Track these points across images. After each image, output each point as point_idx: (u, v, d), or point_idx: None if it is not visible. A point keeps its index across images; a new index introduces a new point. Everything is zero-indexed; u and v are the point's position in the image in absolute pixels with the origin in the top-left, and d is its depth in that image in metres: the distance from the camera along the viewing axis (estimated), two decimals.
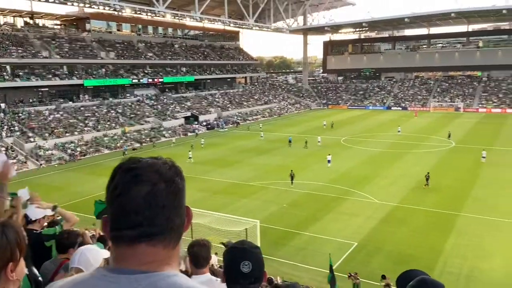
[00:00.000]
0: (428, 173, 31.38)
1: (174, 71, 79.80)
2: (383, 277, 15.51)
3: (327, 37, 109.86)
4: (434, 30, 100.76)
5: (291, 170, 32.71)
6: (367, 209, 26.56)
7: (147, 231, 1.20)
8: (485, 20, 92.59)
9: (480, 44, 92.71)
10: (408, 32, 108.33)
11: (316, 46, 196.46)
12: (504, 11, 72.83)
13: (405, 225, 23.91)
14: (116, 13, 69.22)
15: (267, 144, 50.92)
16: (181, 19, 79.47)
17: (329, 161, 38.32)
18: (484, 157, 38.32)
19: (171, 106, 70.56)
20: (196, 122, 67.83)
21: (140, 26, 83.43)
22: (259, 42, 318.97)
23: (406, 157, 41.25)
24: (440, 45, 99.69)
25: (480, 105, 79.98)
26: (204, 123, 68.14)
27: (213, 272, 5.07)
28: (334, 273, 15.74)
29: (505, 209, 25.80)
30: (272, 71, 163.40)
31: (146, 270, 1.18)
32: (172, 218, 1.24)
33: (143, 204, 1.19)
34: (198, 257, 3.28)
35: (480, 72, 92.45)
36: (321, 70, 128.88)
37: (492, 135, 51.96)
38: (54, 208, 4.60)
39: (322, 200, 28.72)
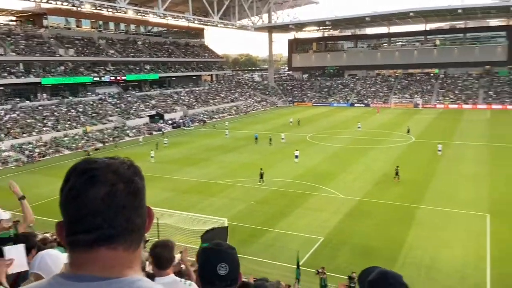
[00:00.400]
0: (397, 166, 32.57)
1: (138, 68, 78.11)
2: (350, 277, 15.91)
3: (291, 35, 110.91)
4: (394, 29, 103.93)
5: (261, 168, 32.67)
6: (332, 204, 27.10)
7: (106, 234, 1.14)
8: (441, 19, 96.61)
9: (437, 43, 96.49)
10: (370, 30, 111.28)
11: (281, 43, 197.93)
12: (459, 11, 76.17)
13: (369, 218, 24.58)
14: (75, 8, 66.84)
15: (233, 142, 50.88)
16: (144, 16, 77.89)
17: (296, 157, 38.97)
18: (440, 150, 40.10)
19: (135, 105, 69.06)
20: (161, 121, 66.77)
21: (100, 22, 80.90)
22: (224, 40, 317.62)
23: (369, 153, 42.38)
24: (400, 43, 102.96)
25: (438, 101, 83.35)
26: (170, 122, 67.19)
27: (180, 272, 5.01)
28: (300, 268, 16.00)
29: (461, 200, 27.06)
30: (238, 68, 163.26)
31: (108, 276, 1.11)
32: (132, 219, 1.18)
33: (102, 206, 1.14)
34: (160, 258, 3.20)
35: (437, 70, 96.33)
36: (287, 68, 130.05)
37: (449, 130, 54.26)
38: (22, 197, 4.48)
39: (289, 196, 29.05)
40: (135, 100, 71.08)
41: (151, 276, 3.02)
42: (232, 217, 24.43)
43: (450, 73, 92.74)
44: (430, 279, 17.81)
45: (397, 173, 31.63)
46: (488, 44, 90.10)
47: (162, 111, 70.07)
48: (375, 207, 26.38)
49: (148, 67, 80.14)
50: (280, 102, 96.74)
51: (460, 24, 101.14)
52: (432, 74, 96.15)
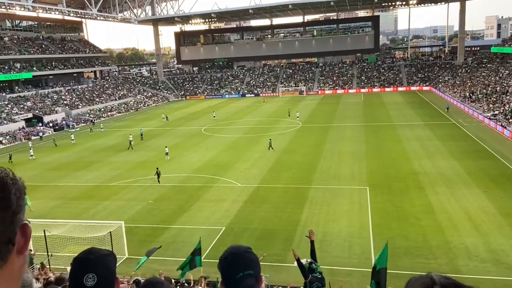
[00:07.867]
0: (270, 139, 39.37)
1: (6, 67, 69.56)
2: None
3: (178, 27, 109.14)
4: (276, 21, 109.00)
5: (157, 168, 31.44)
6: (231, 194, 27.78)
7: None
8: (317, 12, 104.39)
9: (315, 33, 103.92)
10: (254, 23, 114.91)
11: (168, 36, 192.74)
12: (332, 3, 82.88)
13: (266, 203, 25.80)
14: None
15: (126, 141, 48.65)
16: (9, 8, 69.33)
17: (167, 153, 38.43)
18: (298, 117, 49.79)
19: (7, 108, 61.65)
20: (40, 124, 60.75)
21: None
22: (107, 34, 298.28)
23: (262, 140, 44.14)
24: (282, 35, 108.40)
25: (319, 88, 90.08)
26: (51, 124, 61.49)
27: None
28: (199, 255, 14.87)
29: (343, 177, 29.92)
30: (124, 63, 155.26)
31: None
32: None
33: None
34: None
35: (316, 58, 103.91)
36: (176, 61, 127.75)
37: (330, 114, 59.12)
38: None
39: (188, 190, 28.98)
40: (6, 102, 63.39)
41: None
42: (129, 219, 23.59)
43: (328, 61, 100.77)
44: (323, 251, 19.40)
45: (270, 145, 38.31)
46: (357, 34, 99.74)
47: (41, 113, 63.76)
48: (271, 191, 27.74)
49: (18, 65, 71.89)
50: (172, 96, 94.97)
51: (333, 15, 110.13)
52: (312, 63, 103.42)
